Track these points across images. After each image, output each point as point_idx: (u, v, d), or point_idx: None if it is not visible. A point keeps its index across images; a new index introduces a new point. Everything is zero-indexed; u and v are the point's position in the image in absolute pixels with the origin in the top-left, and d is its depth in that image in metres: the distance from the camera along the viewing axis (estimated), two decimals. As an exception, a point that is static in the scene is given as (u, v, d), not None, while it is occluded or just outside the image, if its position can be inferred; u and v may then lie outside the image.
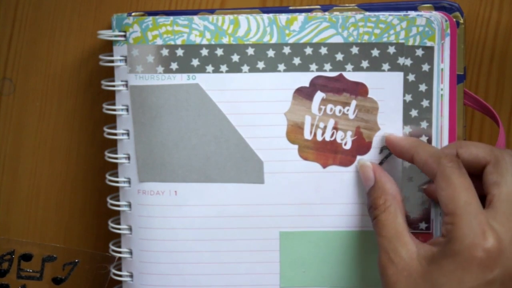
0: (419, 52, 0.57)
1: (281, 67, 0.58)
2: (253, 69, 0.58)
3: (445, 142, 0.58)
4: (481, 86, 0.62)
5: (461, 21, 0.58)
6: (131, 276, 0.61)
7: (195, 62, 0.58)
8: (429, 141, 0.58)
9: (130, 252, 0.60)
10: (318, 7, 0.58)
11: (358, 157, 0.58)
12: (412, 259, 0.50)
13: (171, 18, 0.58)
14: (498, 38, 0.61)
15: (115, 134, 0.60)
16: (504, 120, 0.62)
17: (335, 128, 0.58)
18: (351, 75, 0.58)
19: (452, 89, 0.58)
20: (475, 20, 0.61)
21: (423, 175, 0.57)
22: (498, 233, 0.48)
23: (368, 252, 0.59)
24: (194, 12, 0.59)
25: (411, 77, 0.57)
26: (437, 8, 0.58)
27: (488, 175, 0.52)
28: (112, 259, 0.61)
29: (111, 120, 0.60)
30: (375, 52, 0.57)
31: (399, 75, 0.57)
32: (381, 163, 0.58)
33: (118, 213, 0.61)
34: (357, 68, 0.57)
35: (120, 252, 0.61)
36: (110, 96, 0.60)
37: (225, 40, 0.58)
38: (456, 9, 0.58)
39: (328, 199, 0.58)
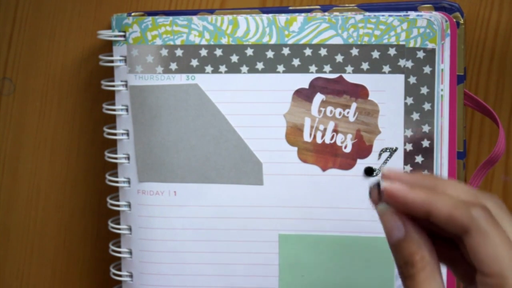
0: (420, 54, 0.56)
1: (281, 68, 0.57)
2: (252, 70, 0.57)
3: (445, 143, 0.57)
4: (481, 87, 0.61)
5: (461, 21, 0.57)
6: (131, 276, 0.60)
7: (194, 63, 0.57)
8: (431, 145, 0.56)
9: (130, 252, 0.60)
10: (318, 7, 0.58)
11: (359, 161, 0.57)
12: None
13: (171, 18, 0.57)
14: (498, 38, 0.61)
15: (115, 134, 0.59)
16: (504, 120, 0.61)
17: (335, 130, 0.57)
18: (351, 77, 0.57)
19: (452, 89, 0.57)
20: (475, 20, 0.60)
21: None
22: None
23: (368, 258, 0.58)
24: (194, 12, 0.58)
25: (412, 80, 0.56)
26: (437, 8, 0.57)
27: None
28: None
29: (111, 120, 0.60)
30: (376, 54, 0.56)
31: (400, 78, 0.56)
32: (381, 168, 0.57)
33: (118, 213, 0.60)
34: (357, 70, 0.56)
35: (120, 252, 0.60)
36: (110, 96, 0.60)
37: (224, 41, 0.57)
38: (456, 9, 0.57)
39: (327, 203, 0.57)
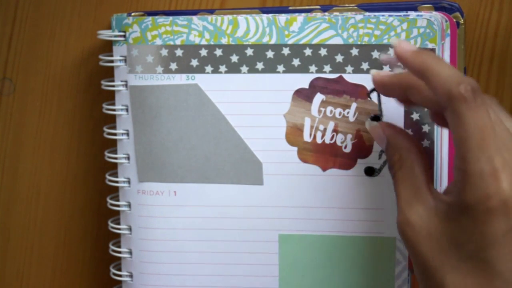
0: (421, 54, 0.55)
1: (281, 68, 0.57)
2: (252, 70, 0.57)
3: (446, 143, 0.56)
4: (481, 86, 0.60)
5: (461, 21, 0.56)
6: (131, 276, 0.60)
7: (194, 63, 0.57)
8: (431, 145, 0.56)
9: (130, 252, 0.60)
10: (318, 7, 0.57)
11: (359, 161, 0.56)
12: (430, 216, 0.45)
13: (171, 18, 0.57)
14: (498, 38, 0.60)
15: (115, 134, 0.59)
16: (504, 120, 0.60)
17: (335, 130, 0.57)
18: (351, 77, 0.56)
19: (452, 89, 0.56)
20: (475, 20, 0.60)
21: None
22: None
23: (368, 258, 0.57)
24: (194, 12, 0.58)
25: (412, 80, 0.56)
26: (437, 8, 0.57)
27: None
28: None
29: (111, 120, 0.60)
30: (376, 54, 0.56)
31: (400, 78, 0.56)
32: (381, 168, 0.56)
33: (118, 213, 0.60)
34: (357, 70, 0.56)
35: (120, 252, 0.60)
36: (110, 96, 0.60)
37: (224, 41, 0.57)
38: (456, 9, 0.57)
39: (327, 203, 0.57)
